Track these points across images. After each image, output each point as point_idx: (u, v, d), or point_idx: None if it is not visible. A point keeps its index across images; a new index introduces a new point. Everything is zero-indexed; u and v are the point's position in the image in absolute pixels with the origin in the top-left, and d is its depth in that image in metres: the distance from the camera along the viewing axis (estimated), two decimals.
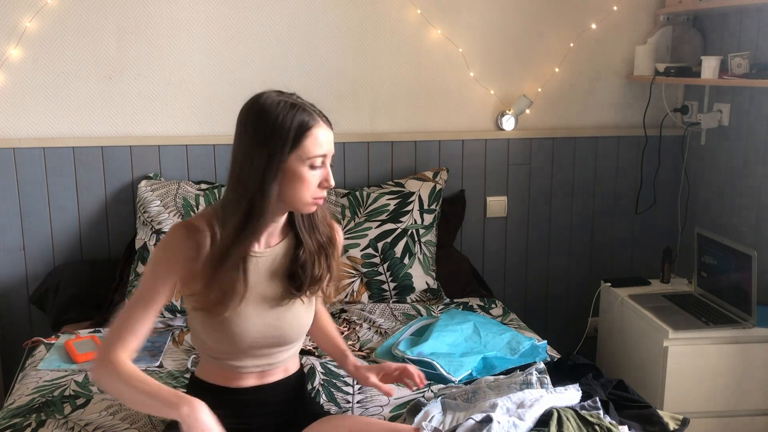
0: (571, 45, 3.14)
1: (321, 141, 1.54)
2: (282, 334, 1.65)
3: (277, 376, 1.71)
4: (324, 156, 1.56)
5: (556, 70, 3.15)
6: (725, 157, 3.00)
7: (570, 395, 1.81)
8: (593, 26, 3.14)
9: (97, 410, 1.92)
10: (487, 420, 1.62)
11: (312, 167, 1.55)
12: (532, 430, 1.67)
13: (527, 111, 3.14)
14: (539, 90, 3.16)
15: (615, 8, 3.14)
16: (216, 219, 1.58)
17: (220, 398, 1.66)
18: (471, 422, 1.64)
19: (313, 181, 1.56)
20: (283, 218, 1.65)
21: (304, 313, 1.68)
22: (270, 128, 1.52)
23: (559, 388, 1.83)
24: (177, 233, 1.57)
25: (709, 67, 2.78)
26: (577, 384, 1.87)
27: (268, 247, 1.64)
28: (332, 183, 1.60)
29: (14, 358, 2.78)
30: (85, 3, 2.79)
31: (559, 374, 2.01)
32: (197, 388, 1.72)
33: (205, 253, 1.56)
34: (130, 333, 1.54)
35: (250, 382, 1.68)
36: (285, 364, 1.72)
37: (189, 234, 1.57)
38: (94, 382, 1.62)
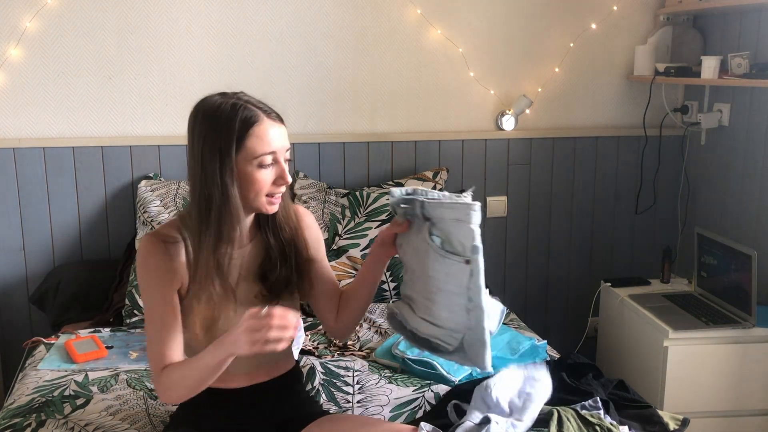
0: (571, 45, 3.14)
1: (267, 138, 1.50)
2: None
3: (269, 375, 1.70)
4: (273, 153, 1.51)
5: (556, 70, 3.15)
6: (725, 157, 3.00)
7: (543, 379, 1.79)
8: (593, 26, 3.14)
9: (97, 410, 1.92)
10: (485, 421, 1.63)
11: (261, 166, 1.51)
12: (531, 430, 1.68)
13: (527, 111, 3.14)
14: (539, 90, 3.16)
15: (615, 8, 3.14)
16: (186, 228, 1.57)
17: (215, 400, 1.66)
18: (469, 424, 1.64)
19: (265, 181, 1.52)
20: (250, 218, 1.62)
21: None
22: (215, 132, 1.49)
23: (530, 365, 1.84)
24: (146, 246, 1.56)
25: (709, 67, 2.78)
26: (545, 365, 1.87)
27: (240, 248, 1.63)
28: (288, 180, 1.54)
29: (14, 358, 2.78)
30: (85, 3, 2.79)
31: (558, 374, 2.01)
32: None
33: (181, 264, 1.55)
34: (163, 344, 1.53)
35: (243, 382, 1.67)
36: (276, 363, 1.71)
37: (158, 244, 1.55)
38: (171, 402, 1.61)
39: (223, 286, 1.55)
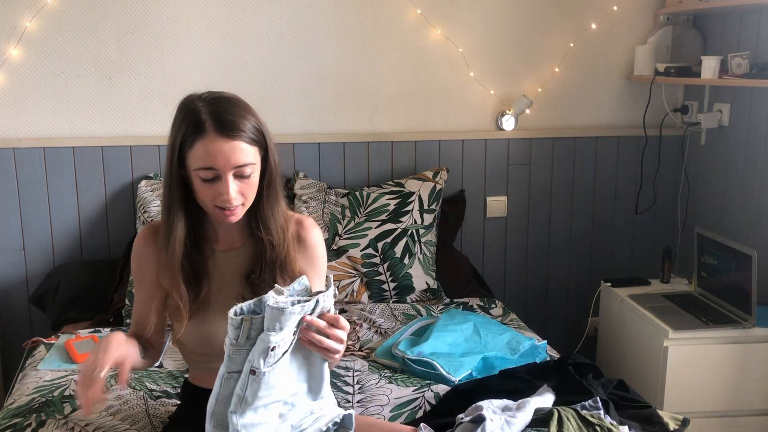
0: (571, 45, 3.14)
1: (205, 153, 1.44)
2: None
3: None
4: (210, 169, 1.45)
5: (556, 70, 3.15)
6: (725, 157, 3.00)
7: (546, 398, 1.83)
8: (593, 26, 3.14)
9: (97, 410, 1.92)
10: (480, 419, 1.63)
11: (202, 179, 1.47)
12: (530, 429, 1.68)
13: (527, 111, 3.14)
14: (539, 90, 3.16)
15: (615, 8, 3.14)
16: None
17: None
18: (465, 423, 1.65)
19: (205, 194, 1.48)
20: (238, 222, 1.58)
21: None
22: (173, 129, 1.51)
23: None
24: (139, 237, 1.65)
25: (709, 67, 2.78)
26: (548, 386, 1.88)
27: (232, 249, 1.63)
28: (226, 201, 1.47)
29: (14, 358, 2.78)
30: (85, 3, 2.79)
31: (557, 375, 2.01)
32: (191, 393, 1.72)
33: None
34: (134, 322, 1.66)
35: None
36: None
37: (148, 236, 1.62)
38: None
39: (176, 287, 1.56)
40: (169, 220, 1.55)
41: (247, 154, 1.47)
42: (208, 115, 1.46)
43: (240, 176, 1.48)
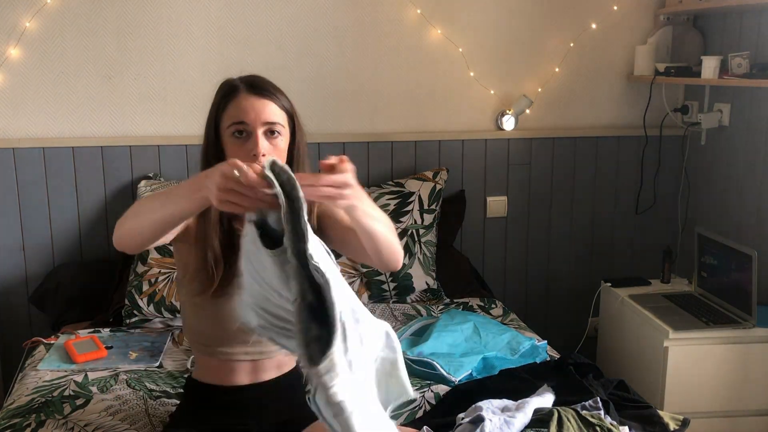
0: (571, 45, 3.14)
1: (238, 109, 1.53)
2: None
3: (271, 373, 1.69)
4: (242, 124, 1.53)
5: (556, 70, 3.15)
6: (725, 157, 3.00)
7: (546, 398, 1.83)
8: (593, 26, 3.14)
9: (96, 410, 1.92)
10: (479, 420, 1.62)
11: (234, 136, 1.53)
12: (530, 430, 1.68)
13: (527, 111, 3.14)
14: (539, 90, 3.15)
15: (615, 8, 3.14)
16: None
17: (216, 399, 1.66)
18: (464, 424, 1.64)
19: (236, 151, 1.52)
20: None
21: None
22: (211, 106, 1.60)
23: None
24: None
25: (710, 67, 2.77)
26: (549, 387, 1.88)
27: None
28: (258, 152, 1.50)
29: (14, 358, 2.78)
30: (85, 3, 2.79)
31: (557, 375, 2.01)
32: (194, 389, 1.72)
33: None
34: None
35: (244, 378, 1.67)
36: (278, 356, 1.69)
37: None
38: (118, 234, 1.48)
39: (212, 249, 1.57)
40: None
41: (276, 114, 1.56)
42: (241, 81, 1.58)
43: (270, 135, 1.55)
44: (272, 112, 1.55)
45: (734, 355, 2.56)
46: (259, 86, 1.57)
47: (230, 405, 1.67)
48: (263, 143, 1.53)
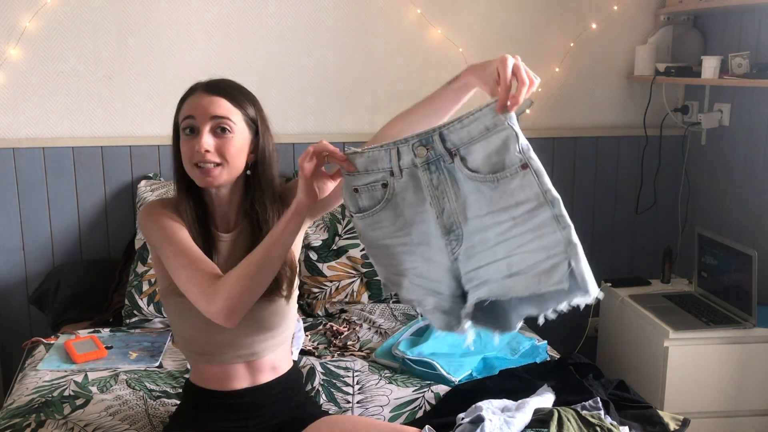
0: (571, 45, 3.14)
1: (187, 107, 1.54)
2: (257, 320, 1.59)
3: (267, 375, 1.68)
4: (189, 118, 1.52)
5: (556, 70, 3.15)
6: (725, 157, 3.00)
7: (546, 398, 1.83)
8: (593, 26, 3.14)
9: (96, 410, 1.92)
10: (479, 420, 1.62)
11: (184, 133, 1.54)
12: (530, 430, 1.67)
13: (527, 111, 3.14)
14: (539, 90, 3.15)
15: (615, 8, 3.14)
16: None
17: (214, 403, 1.66)
18: (464, 424, 1.64)
19: (186, 150, 1.53)
20: (230, 199, 1.61)
21: (280, 299, 1.60)
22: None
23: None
24: (150, 209, 1.62)
25: (710, 66, 2.77)
26: (549, 387, 1.88)
27: (227, 232, 1.63)
28: (200, 147, 1.49)
29: (14, 358, 2.78)
30: (85, 3, 2.79)
31: (557, 375, 2.01)
32: (192, 393, 1.72)
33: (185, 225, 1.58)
34: (206, 263, 1.51)
35: (242, 382, 1.66)
36: (273, 358, 1.68)
37: (160, 206, 1.62)
38: (229, 310, 1.44)
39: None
40: (180, 201, 1.61)
41: (226, 109, 1.53)
42: (204, 82, 1.58)
43: (218, 131, 1.52)
44: (221, 106, 1.52)
45: (734, 355, 2.56)
46: (215, 86, 1.56)
47: (228, 408, 1.66)
48: (207, 138, 1.50)
